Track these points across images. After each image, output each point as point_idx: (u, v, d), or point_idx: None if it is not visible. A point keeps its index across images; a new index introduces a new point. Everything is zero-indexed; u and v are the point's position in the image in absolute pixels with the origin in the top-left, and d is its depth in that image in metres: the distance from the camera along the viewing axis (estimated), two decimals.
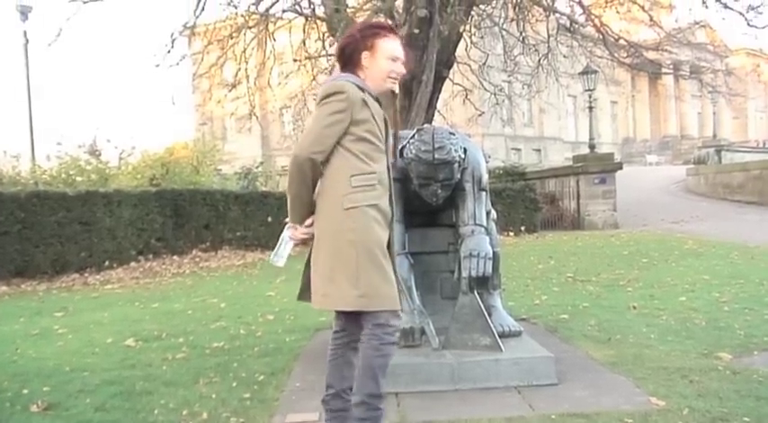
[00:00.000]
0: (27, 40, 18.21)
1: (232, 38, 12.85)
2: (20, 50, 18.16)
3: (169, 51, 11.72)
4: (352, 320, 2.95)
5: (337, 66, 3.13)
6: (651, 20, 14.84)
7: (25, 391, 4.14)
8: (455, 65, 13.17)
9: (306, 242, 3.01)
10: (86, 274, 10.67)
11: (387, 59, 2.92)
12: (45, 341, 5.87)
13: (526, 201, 16.68)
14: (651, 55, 16.68)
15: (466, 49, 14.33)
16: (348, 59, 2.97)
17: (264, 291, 8.38)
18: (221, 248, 13.06)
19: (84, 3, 10.90)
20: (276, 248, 3.07)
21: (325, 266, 2.86)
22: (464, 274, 3.96)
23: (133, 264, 11.61)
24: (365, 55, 2.93)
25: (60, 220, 10.65)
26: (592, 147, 20.57)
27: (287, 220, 3.05)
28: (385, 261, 2.85)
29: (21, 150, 16.01)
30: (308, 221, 2.93)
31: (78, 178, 13.63)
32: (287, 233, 3.03)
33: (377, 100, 2.93)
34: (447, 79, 12.13)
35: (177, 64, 12.11)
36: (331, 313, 6.47)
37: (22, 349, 5.50)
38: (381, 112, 2.94)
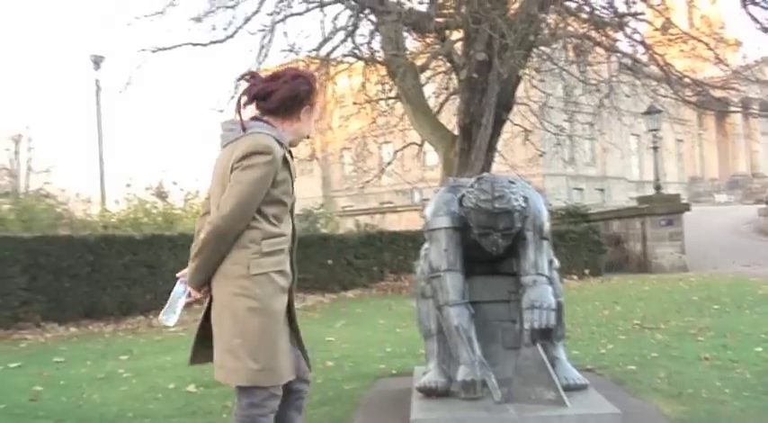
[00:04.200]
0: (99, 88, 19.05)
1: None
2: (92, 98, 18.97)
3: (233, 96, 12.05)
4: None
5: (251, 110, 2.84)
6: (717, 57, 14.55)
7: None
8: (514, 106, 13.13)
9: (200, 300, 2.87)
10: (151, 317, 10.83)
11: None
12: (109, 385, 5.95)
13: (590, 243, 16.33)
14: (718, 93, 16.30)
15: (525, 90, 14.28)
16: (285, 107, 2.74)
17: (324, 335, 8.34)
18: None
19: (153, 52, 11.35)
20: (167, 306, 2.87)
21: (223, 334, 2.65)
22: (526, 326, 3.84)
23: (197, 306, 11.72)
24: (306, 109, 2.78)
25: (127, 263, 10.90)
26: (657, 188, 20.11)
27: (179, 274, 2.92)
28: (284, 331, 2.71)
29: (92, 193, 16.64)
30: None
31: (145, 219, 13.98)
32: (181, 289, 2.86)
33: (290, 152, 2.76)
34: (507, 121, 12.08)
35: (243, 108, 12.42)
36: (391, 360, 6.45)
37: (88, 394, 5.58)
38: (295, 167, 2.77)
